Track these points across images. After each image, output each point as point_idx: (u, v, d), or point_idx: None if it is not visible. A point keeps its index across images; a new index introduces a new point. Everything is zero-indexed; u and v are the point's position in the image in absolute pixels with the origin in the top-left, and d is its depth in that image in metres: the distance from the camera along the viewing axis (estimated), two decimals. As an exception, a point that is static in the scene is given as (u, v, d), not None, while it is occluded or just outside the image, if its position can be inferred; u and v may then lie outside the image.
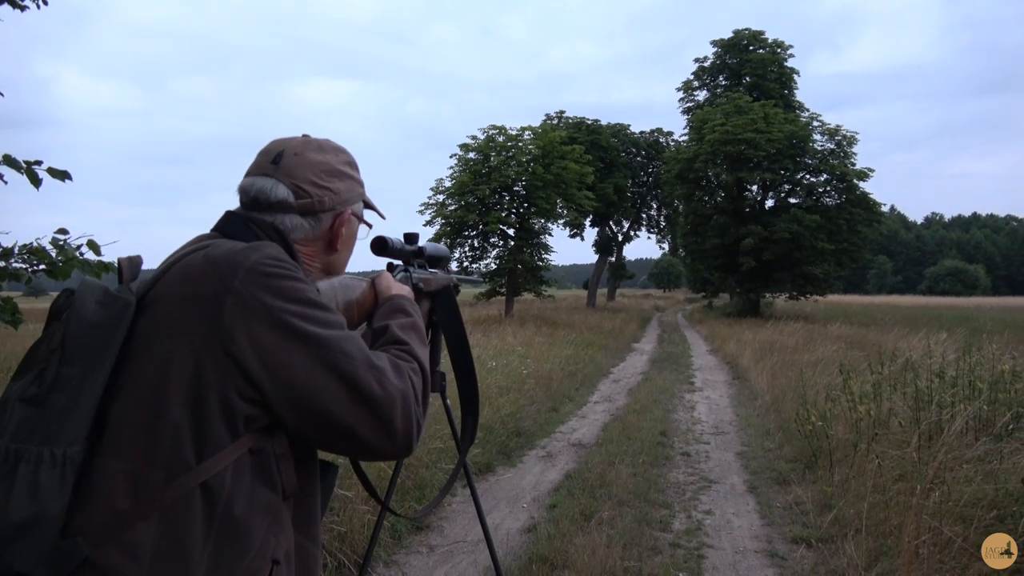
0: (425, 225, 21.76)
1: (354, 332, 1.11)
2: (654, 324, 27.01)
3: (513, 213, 21.94)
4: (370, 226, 1.37)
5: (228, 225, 1.19)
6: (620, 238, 41.11)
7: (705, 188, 27.98)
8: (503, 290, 22.85)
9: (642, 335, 20.86)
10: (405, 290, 1.38)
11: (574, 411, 8.18)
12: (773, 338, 14.33)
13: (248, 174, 1.22)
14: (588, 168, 23.25)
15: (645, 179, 39.57)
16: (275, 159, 1.21)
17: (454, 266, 22.38)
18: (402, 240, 1.57)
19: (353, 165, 1.31)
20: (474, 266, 22.25)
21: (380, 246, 1.49)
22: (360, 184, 1.32)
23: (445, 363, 1.81)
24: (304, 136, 1.28)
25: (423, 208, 22.16)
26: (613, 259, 41.11)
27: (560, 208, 23.06)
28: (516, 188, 21.82)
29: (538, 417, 7.41)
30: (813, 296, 27.14)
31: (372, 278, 1.37)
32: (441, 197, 21.89)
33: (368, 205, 1.36)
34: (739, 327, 18.68)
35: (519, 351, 10.91)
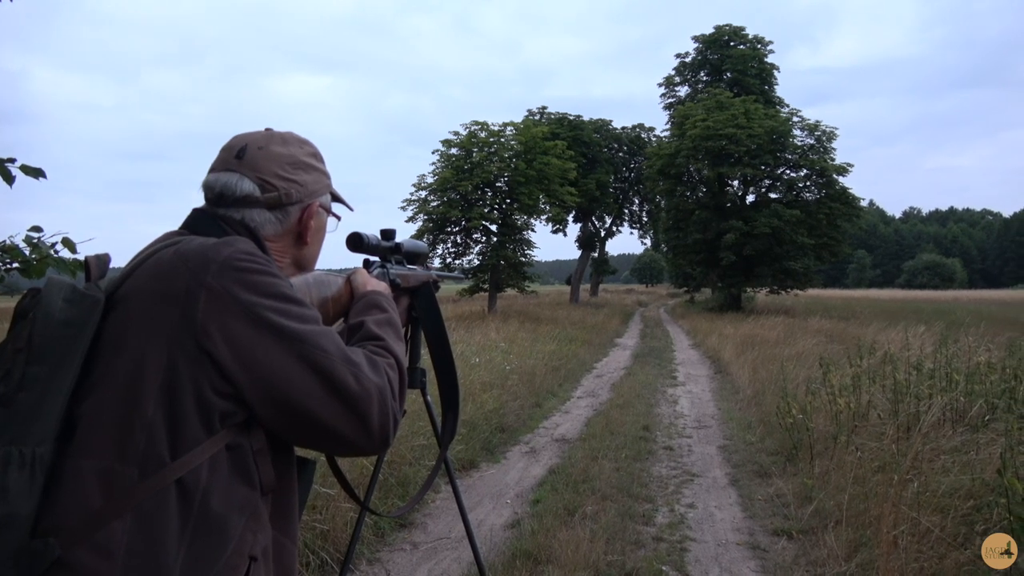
0: (407, 221, 21.63)
1: (330, 328, 1.11)
2: (637, 319, 27.08)
3: (496, 209, 21.88)
4: (339, 218, 1.36)
5: (197, 222, 1.18)
6: (603, 234, 41.24)
7: (687, 183, 28.18)
8: (486, 286, 22.82)
9: (625, 330, 20.91)
10: (382, 286, 1.37)
11: (557, 406, 8.20)
12: (754, 332, 14.42)
13: (212, 170, 1.21)
14: (570, 164, 23.25)
15: (627, 175, 39.71)
16: (239, 154, 1.20)
17: (436, 262, 21.84)
18: (378, 236, 1.56)
19: (318, 156, 1.30)
20: (457, 262, 22.18)
21: (356, 242, 1.48)
22: (326, 176, 1.31)
23: (426, 360, 1.80)
24: (267, 130, 1.27)
25: (405, 204, 22.09)
26: (596, 255, 41.17)
27: (543, 204, 23.08)
28: (499, 184, 21.79)
29: (521, 413, 7.42)
30: (793, 290, 27.42)
31: (348, 275, 1.36)
32: (423, 193, 21.82)
33: (336, 197, 1.35)
34: (721, 321, 18.77)
35: (502, 347, 10.91)
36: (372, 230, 1.56)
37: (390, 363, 1.14)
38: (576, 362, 11.75)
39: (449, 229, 21.82)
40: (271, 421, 1.04)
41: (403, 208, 22.12)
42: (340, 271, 1.40)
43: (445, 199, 21.19)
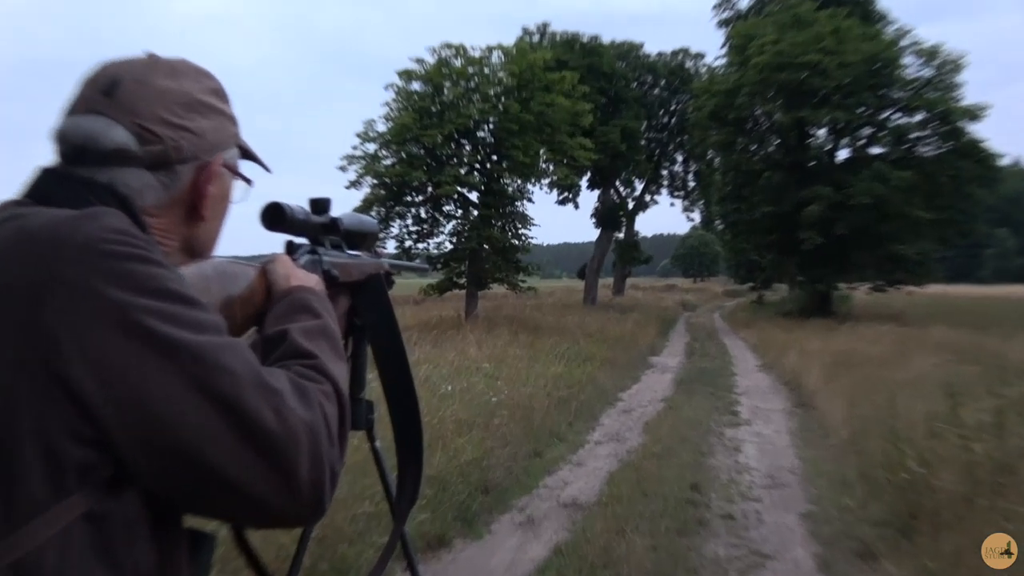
0: (349, 187, 21.72)
1: (238, 340, 1.11)
2: (680, 328, 27.25)
3: (477, 170, 21.99)
4: (250, 182, 1.38)
5: (45, 187, 1.17)
6: (631, 205, 41.42)
7: (751, 133, 28.48)
8: (462, 281, 22.87)
9: (663, 345, 20.99)
10: (311, 280, 1.39)
11: (566, 456, 8.20)
12: (851, 347, 14.45)
13: (69, 113, 1.21)
14: (584, 104, 23.25)
15: (666, 121, 39.84)
16: (108, 89, 1.20)
17: (391, 247, 21.77)
18: (307, 209, 1.56)
19: (222, 95, 1.31)
20: (420, 247, 22.20)
21: (275, 217, 1.48)
22: (233, 122, 1.33)
23: (376, 388, 1.77)
24: (149, 56, 1.28)
25: (346, 163, 22.12)
26: (621, 235, 41.32)
27: (544, 162, 23.11)
28: (481, 134, 21.89)
29: (514, 465, 7.38)
30: (906, 287, 27.64)
31: (263, 264, 1.37)
32: (372, 147, 21.88)
33: (246, 153, 1.37)
34: (802, 332, 18.84)
35: (486, 369, 10.89)
36: (298, 200, 1.55)
37: (325, 391, 1.15)
38: (593, 391, 11.76)
39: (409, 199, 21.87)
40: (151, 476, 1.03)
41: (342, 169, 22.25)
42: (251, 259, 1.40)
43: (403, 155, 21.20)
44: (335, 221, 1.63)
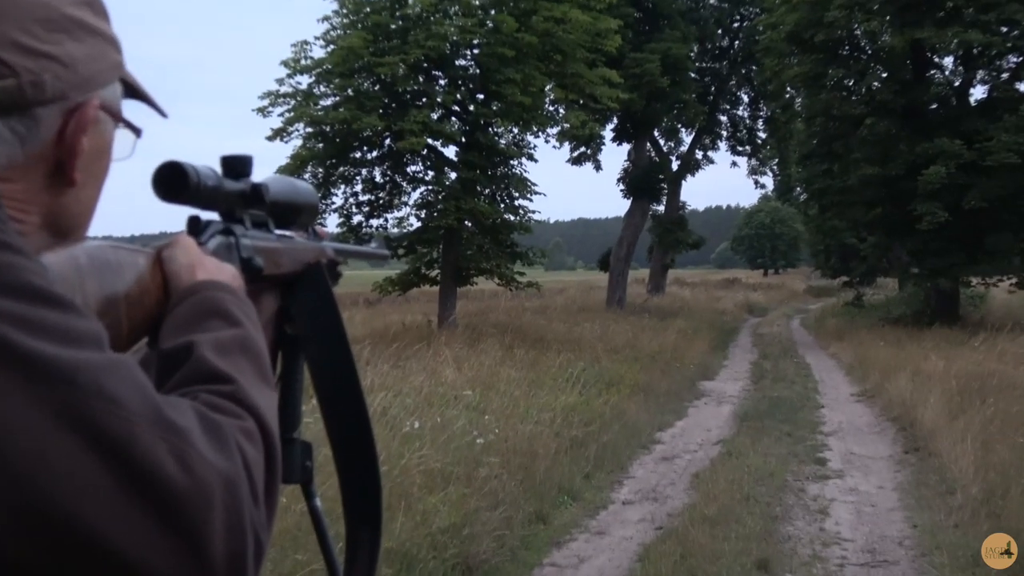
0: (273, 138, 18.28)
1: (125, 356, 0.97)
2: (744, 341, 24.86)
3: (455, 114, 18.59)
4: (138, 132, 1.20)
5: None
6: (675, 166, 34.30)
7: (848, 63, 23.51)
8: (434, 273, 19.68)
9: (720, 365, 19.28)
10: (226, 273, 1.22)
11: (582, 521, 7.60)
12: (986, 368, 13.08)
13: None
14: (610, 20, 18.34)
15: (726, 44, 33.56)
16: None
17: (332, 223, 18.54)
18: (217, 171, 1.31)
19: (98, 8, 1.13)
20: (374, 224, 19.04)
21: (174, 182, 1.24)
22: (115, 47, 1.15)
23: (316, 427, 1.61)
24: None
25: (268, 103, 18.35)
26: (661, 209, 33.91)
27: (552, 104, 20.09)
28: (461, 62, 18.42)
29: (508, 535, 6.78)
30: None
31: (158, 248, 1.20)
32: (304, 81, 18.22)
33: (132, 91, 1.19)
34: (917, 346, 16.92)
35: (468, 398, 9.93)
36: (206, 159, 1.28)
37: (246, 428, 1.01)
38: (621, 430, 10.89)
39: (359, 155, 18.65)
40: (8, 552, 0.87)
41: (262, 112, 18.51)
42: (139, 242, 1.23)
43: (349, 93, 17.63)
44: (258, 188, 1.37)
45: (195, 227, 1.30)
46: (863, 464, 9.45)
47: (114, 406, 0.89)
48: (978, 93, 22.66)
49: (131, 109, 1.18)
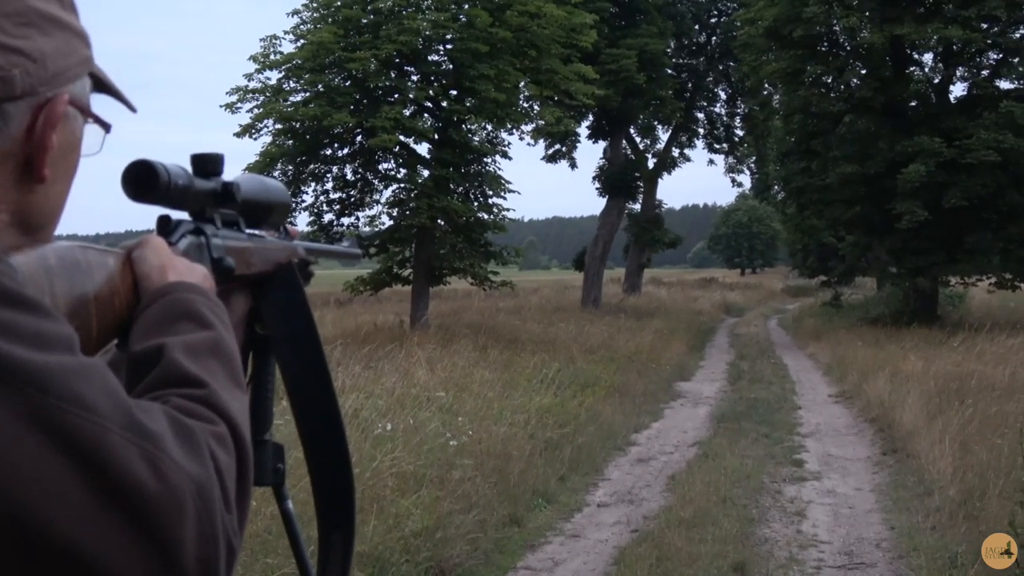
0: (241, 135, 18.19)
1: (96, 360, 0.98)
2: (721, 342, 24.90)
3: (427, 110, 18.70)
4: (107, 128, 1.18)
5: None
6: (651, 163, 34.46)
7: (827, 59, 22.77)
8: (407, 272, 19.69)
9: (697, 365, 18.89)
10: (197, 274, 1.22)
11: (556, 524, 7.60)
12: (965, 369, 13.03)
13: None
14: (585, 16, 18.71)
15: (704, 40, 33.48)
16: None
17: (302, 221, 18.79)
18: (187, 170, 1.30)
19: (66, 3, 1.12)
20: (345, 222, 19.08)
21: (144, 181, 1.23)
22: (84, 41, 1.14)
23: (288, 428, 1.62)
24: None
25: (236, 100, 18.30)
26: (637, 207, 33.76)
27: (526, 100, 19.75)
28: (434, 58, 18.48)
29: (482, 538, 6.79)
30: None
31: (128, 248, 1.19)
32: (274, 77, 18.25)
33: (101, 85, 1.18)
34: (896, 346, 16.90)
35: (441, 400, 9.91)
36: (175, 157, 1.30)
37: (218, 433, 1.01)
38: (596, 431, 10.92)
39: (329, 152, 18.71)
40: None
41: (230, 108, 18.47)
42: (104, 242, 1.28)
43: (320, 89, 17.69)
44: (229, 187, 1.36)
45: (165, 227, 1.29)
46: (840, 466, 9.51)
47: (86, 411, 0.89)
48: (958, 90, 23.30)
49: (99, 104, 1.17)
